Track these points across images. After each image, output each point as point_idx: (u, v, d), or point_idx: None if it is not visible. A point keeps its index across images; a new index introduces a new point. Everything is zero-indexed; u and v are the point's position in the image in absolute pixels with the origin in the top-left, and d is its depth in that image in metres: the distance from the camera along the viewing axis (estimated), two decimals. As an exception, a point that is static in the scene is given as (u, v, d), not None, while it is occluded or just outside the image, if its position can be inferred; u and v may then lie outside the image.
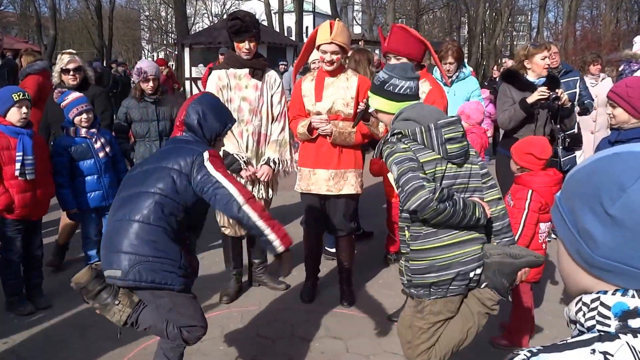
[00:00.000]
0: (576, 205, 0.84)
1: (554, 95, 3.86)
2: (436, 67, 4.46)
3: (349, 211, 3.82)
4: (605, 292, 0.80)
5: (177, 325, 2.42)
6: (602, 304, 0.79)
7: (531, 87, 3.98)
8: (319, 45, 3.55)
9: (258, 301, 3.95)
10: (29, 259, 3.77)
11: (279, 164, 3.81)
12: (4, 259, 3.66)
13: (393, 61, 3.47)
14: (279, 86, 3.93)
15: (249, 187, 3.72)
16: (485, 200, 2.37)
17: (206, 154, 2.39)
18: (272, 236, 2.35)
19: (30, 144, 3.54)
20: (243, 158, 3.64)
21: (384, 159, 2.35)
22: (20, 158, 3.47)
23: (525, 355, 0.79)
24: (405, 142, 2.28)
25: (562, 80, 4.93)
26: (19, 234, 3.63)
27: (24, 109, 3.52)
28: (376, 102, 2.50)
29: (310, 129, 3.65)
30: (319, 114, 3.66)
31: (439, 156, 2.28)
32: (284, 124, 3.89)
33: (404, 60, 3.45)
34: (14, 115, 3.50)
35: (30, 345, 3.32)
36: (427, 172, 2.24)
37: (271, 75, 3.92)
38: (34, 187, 3.61)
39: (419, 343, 2.45)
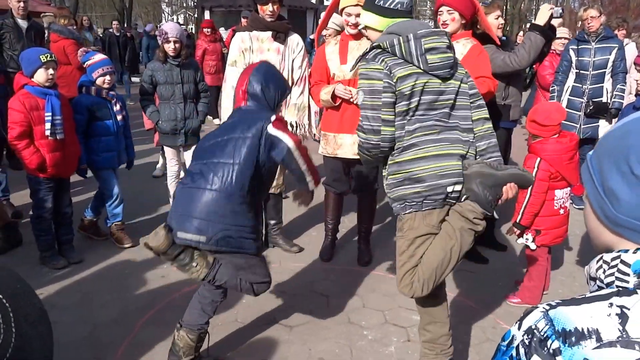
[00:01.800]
0: (604, 164, 0.88)
1: (559, 12, 3.64)
2: None
3: (373, 172, 3.91)
4: (626, 251, 0.84)
5: (249, 281, 2.63)
6: (622, 261, 0.83)
7: (501, 43, 3.83)
8: (342, 9, 3.57)
9: (278, 259, 4.11)
10: (60, 216, 3.97)
11: (297, 127, 3.89)
12: (36, 216, 3.85)
13: (445, 15, 3.44)
14: (300, 50, 3.98)
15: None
16: (473, 119, 2.36)
17: (273, 117, 2.57)
18: (309, 178, 2.62)
19: (58, 104, 3.68)
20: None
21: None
22: (50, 118, 3.62)
23: (544, 308, 0.84)
24: (383, 57, 2.23)
25: (597, 46, 4.86)
26: (50, 192, 3.82)
27: (51, 70, 3.65)
28: (366, 18, 2.46)
29: (334, 96, 3.70)
30: (344, 78, 3.69)
31: (420, 70, 2.22)
32: (303, 88, 3.95)
33: (457, 15, 3.42)
34: (41, 76, 3.63)
35: (65, 296, 3.53)
36: (403, 87, 2.21)
37: (293, 39, 3.96)
38: (63, 146, 3.78)
39: (402, 264, 2.39)
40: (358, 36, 3.67)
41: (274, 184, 3.99)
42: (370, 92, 2.24)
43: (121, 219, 4.27)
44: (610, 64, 4.83)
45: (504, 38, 3.89)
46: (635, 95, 3.07)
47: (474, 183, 2.24)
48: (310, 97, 3.98)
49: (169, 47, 4.22)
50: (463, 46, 3.45)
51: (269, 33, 3.84)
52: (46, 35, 6.34)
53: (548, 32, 3.68)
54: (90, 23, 8.49)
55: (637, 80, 3.02)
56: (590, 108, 4.90)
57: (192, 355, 2.73)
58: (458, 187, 2.27)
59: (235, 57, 3.92)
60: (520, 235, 3.43)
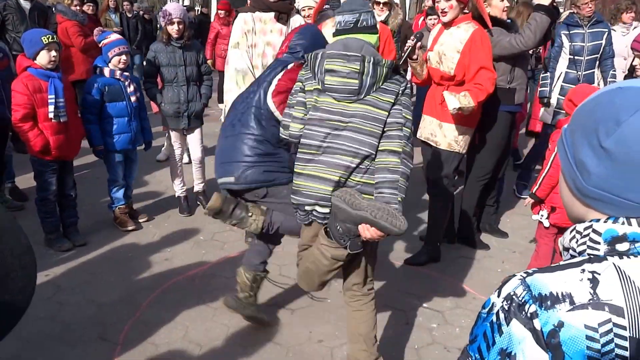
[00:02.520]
0: (576, 137, 0.92)
1: None
2: None
3: None
4: (597, 220, 0.89)
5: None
6: (594, 230, 0.88)
7: (505, 25, 3.83)
8: None
9: (281, 244, 4.15)
10: (64, 198, 4.04)
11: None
12: (41, 199, 3.93)
13: (443, 3, 3.47)
14: (303, 32, 3.99)
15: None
16: (380, 148, 2.25)
17: (291, 66, 2.72)
18: None
19: (61, 86, 3.73)
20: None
21: None
22: (53, 101, 3.67)
23: (522, 275, 0.89)
24: (306, 68, 2.37)
25: (589, 31, 4.81)
26: (54, 174, 3.88)
27: (53, 52, 3.69)
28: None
29: None
30: None
31: (319, 87, 2.28)
32: (306, 70, 3.97)
33: (454, 2, 3.43)
34: (44, 58, 3.67)
35: (69, 278, 3.61)
36: (307, 99, 2.32)
37: (296, 19, 3.97)
38: (67, 128, 3.83)
39: (297, 262, 2.63)
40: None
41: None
42: (292, 92, 2.45)
43: (124, 203, 4.33)
44: (601, 49, 4.80)
45: (508, 21, 3.87)
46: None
47: (330, 213, 2.26)
48: None
49: (173, 29, 4.24)
50: (465, 31, 3.46)
51: (272, 14, 3.85)
52: (51, 16, 6.36)
53: (553, 11, 3.66)
54: (116, 4, 8.32)
55: (634, 66, 3.01)
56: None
57: (247, 293, 2.98)
58: (320, 209, 2.29)
59: (237, 38, 3.92)
60: (536, 211, 3.46)
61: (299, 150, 2.35)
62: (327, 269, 2.34)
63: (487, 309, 0.91)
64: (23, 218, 4.41)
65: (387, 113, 2.24)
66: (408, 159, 2.25)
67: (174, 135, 4.57)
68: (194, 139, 4.62)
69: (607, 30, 4.84)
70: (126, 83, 4.13)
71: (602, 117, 0.87)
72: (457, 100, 3.34)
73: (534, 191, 3.40)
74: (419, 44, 3.50)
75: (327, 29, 3.24)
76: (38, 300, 3.31)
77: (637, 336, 0.80)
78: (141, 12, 12.06)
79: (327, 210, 2.28)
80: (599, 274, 0.84)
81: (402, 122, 2.25)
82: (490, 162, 4.01)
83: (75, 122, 3.96)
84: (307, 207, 2.33)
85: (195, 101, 4.46)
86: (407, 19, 10.93)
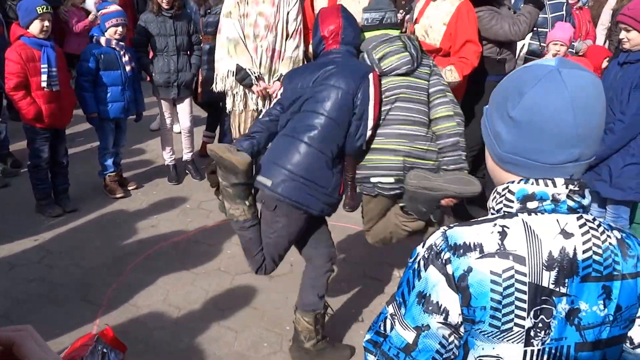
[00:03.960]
0: (492, 111, 1.07)
1: None
2: None
3: None
4: (513, 182, 1.03)
5: (269, 253, 2.59)
6: (509, 191, 1.03)
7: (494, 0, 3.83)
8: None
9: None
10: (56, 165, 4.22)
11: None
12: (33, 166, 4.10)
13: None
14: (296, 2, 4.04)
15: (261, 103, 3.97)
16: (432, 117, 2.59)
17: (371, 76, 2.52)
18: None
19: (54, 55, 3.87)
20: (255, 73, 3.86)
21: None
22: (46, 70, 3.81)
23: (444, 229, 1.04)
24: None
25: (549, 2, 4.81)
26: (46, 142, 4.04)
27: (46, 22, 3.81)
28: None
29: None
30: None
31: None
32: (298, 41, 4.05)
33: None
34: (36, 28, 3.80)
35: (58, 242, 3.79)
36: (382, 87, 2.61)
37: (290, -11, 4.03)
38: (59, 97, 3.98)
39: (364, 222, 2.90)
40: (343, -10, 3.76)
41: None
42: None
43: (114, 170, 4.49)
44: (563, 20, 4.82)
45: None
46: (621, 51, 3.13)
47: (409, 197, 2.51)
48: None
49: (163, -1, 4.34)
50: (450, 4, 3.53)
51: (264, -16, 3.91)
52: None
53: (541, 3, 3.78)
54: None
55: (621, 39, 3.07)
56: None
57: (314, 339, 2.67)
58: (384, 180, 2.58)
59: (230, 7, 3.96)
60: None
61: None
62: (406, 235, 2.71)
63: (412, 258, 1.07)
64: (17, 184, 4.61)
65: (427, 82, 2.61)
66: (461, 118, 2.59)
67: (164, 104, 4.70)
68: (183, 109, 4.76)
69: (564, 1, 4.90)
70: (121, 52, 4.27)
71: (510, 91, 1.02)
72: (443, 74, 3.43)
73: None
74: (407, 16, 3.57)
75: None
76: (28, 263, 3.51)
77: (535, 282, 0.96)
78: None
79: (391, 180, 2.56)
80: (508, 228, 0.99)
81: (444, 89, 2.62)
82: (479, 132, 4.08)
83: (67, 91, 4.11)
84: (372, 180, 2.59)
85: (185, 71, 4.59)
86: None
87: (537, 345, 0.97)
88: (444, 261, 0.99)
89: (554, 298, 0.96)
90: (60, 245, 3.75)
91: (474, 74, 3.62)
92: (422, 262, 1.03)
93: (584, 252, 0.97)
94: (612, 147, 3.03)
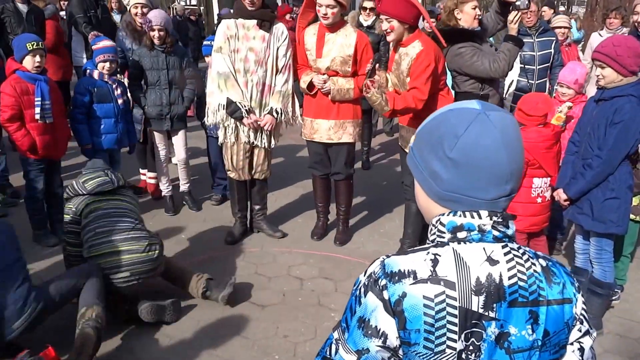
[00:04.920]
0: (425, 152, 1.14)
1: (525, 3, 3.67)
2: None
3: (349, 157, 4.29)
4: (443, 214, 1.12)
5: None
6: (440, 223, 1.11)
7: (477, 35, 3.89)
8: None
9: (260, 244, 4.41)
10: (51, 196, 4.33)
11: (281, 114, 4.16)
12: (29, 196, 4.22)
13: (385, 24, 3.61)
14: (285, 39, 4.21)
15: (252, 135, 4.10)
16: None
17: None
18: None
19: (47, 89, 4.03)
20: (245, 107, 3.99)
21: None
22: (40, 103, 3.97)
23: (383, 258, 1.13)
24: None
25: (538, 40, 4.94)
26: (41, 173, 4.17)
27: (38, 58, 3.98)
28: None
29: (311, 85, 4.01)
30: (318, 70, 4.02)
31: None
32: (288, 76, 4.21)
33: (395, 22, 3.55)
34: (28, 63, 3.97)
35: (54, 272, 3.85)
36: None
37: (279, 27, 4.20)
38: (53, 129, 4.13)
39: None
40: (333, 28, 3.94)
41: (259, 169, 4.29)
42: None
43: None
44: (551, 58, 4.92)
45: (478, 29, 3.93)
46: (597, 88, 3.25)
47: None
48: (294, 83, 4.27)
49: (154, 35, 4.55)
50: (414, 50, 3.56)
51: (254, 21, 4.07)
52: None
53: (521, 41, 3.84)
54: (119, 5, 8.34)
55: (597, 76, 3.18)
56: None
57: None
58: None
59: (220, 43, 4.11)
60: None
61: None
62: None
63: (355, 286, 1.15)
64: (15, 214, 4.71)
65: None
66: None
67: (157, 136, 4.84)
68: (177, 141, 4.91)
69: (554, 38, 5.00)
70: (114, 86, 4.44)
71: (444, 134, 1.10)
72: (372, 92, 3.47)
73: None
74: (377, 65, 3.67)
75: None
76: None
77: (465, 306, 1.04)
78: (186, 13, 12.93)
79: None
80: (440, 256, 1.07)
81: None
82: None
83: (61, 123, 4.26)
84: None
85: (177, 104, 4.75)
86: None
87: None
88: (380, 287, 1.06)
89: (483, 322, 1.03)
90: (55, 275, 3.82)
91: None
92: (362, 289, 1.10)
93: (509, 278, 1.05)
94: (591, 182, 3.11)
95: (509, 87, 5.08)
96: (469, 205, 1.08)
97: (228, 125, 4.09)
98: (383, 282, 1.07)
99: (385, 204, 5.22)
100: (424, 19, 4.02)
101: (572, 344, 1.12)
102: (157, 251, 3.31)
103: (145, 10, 4.95)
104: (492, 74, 3.74)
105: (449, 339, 1.03)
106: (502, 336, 1.05)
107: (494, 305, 1.04)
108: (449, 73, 3.94)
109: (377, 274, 1.09)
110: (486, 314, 1.03)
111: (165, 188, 4.99)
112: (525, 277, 1.06)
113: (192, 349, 3.09)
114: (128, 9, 5.11)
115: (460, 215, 1.08)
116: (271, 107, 4.12)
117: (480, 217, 1.07)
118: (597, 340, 3.35)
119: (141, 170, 5.43)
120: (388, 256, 1.12)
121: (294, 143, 6.66)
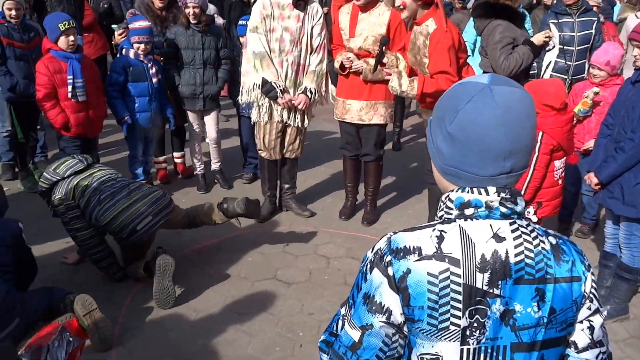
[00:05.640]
0: (434, 127, 1.15)
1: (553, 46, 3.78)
2: None
3: (379, 139, 4.28)
4: (452, 191, 1.12)
5: None
6: (449, 199, 1.12)
7: (519, 17, 3.88)
8: None
9: (289, 222, 4.46)
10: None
11: (315, 93, 4.17)
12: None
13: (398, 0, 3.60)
14: (320, 18, 4.20)
15: (285, 114, 4.14)
16: None
17: None
18: None
19: (79, 67, 4.13)
20: (280, 86, 4.02)
21: None
22: (71, 81, 4.08)
23: (390, 234, 1.14)
24: None
25: (578, 20, 4.76)
26: (77, 150, 4.28)
27: (72, 37, 4.08)
28: None
29: (343, 65, 4.01)
30: (351, 50, 4.04)
31: None
32: (322, 55, 4.21)
33: None
34: (63, 43, 4.07)
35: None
36: None
37: (313, 6, 4.20)
38: (87, 107, 4.25)
39: None
40: (366, 8, 3.91)
41: (290, 148, 4.33)
42: None
43: (144, 178, 4.71)
44: (592, 38, 4.73)
45: (523, 11, 3.92)
46: (635, 69, 3.14)
47: None
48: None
49: (189, 12, 4.59)
50: (427, 29, 3.50)
51: (290, 0, 4.07)
52: None
53: (539, 49, 3.84)
54: None
55: (635, 56, 3.08)
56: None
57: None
58: None
59: (256, 22, 4.14)
60: None
61: None
62: None
63: (363, 263, 1.16)
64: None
65: None
66: None
67: (191, 115, 4.91)
68: (210, 120, 4.97)
69: (596, 19, 4.79)
70: (149, 65, 4.51)
71: (446, 108, 1.10)
72: (397, 82, 3.47)
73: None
74: (384, 48, 3.63)
75: None
76: (58, 264, 3.72)
77: (470, 283, 1.04)
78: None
79: None
80: (446, 232, 1.08)
81: None
82: None
83: (97, 101, 4.36)
84: None
85: (211, 84, 4.79)
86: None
87: (473, 344, 1.05)
88: (386, 264, 1.08)
89: (488, 299, 1.04)
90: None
91: None
92: (368, 266, 1.11)
93: (515, 255, 1.05)
94: (623, 166, 3.04)
95: (546, 68, 4.94)
96: (469, 181, 1.09)
97: (262, 104, 4.14)
98: (388, 258, 1.08)
99: (414, 185, 5.19)
100: None
101: (581, 322, 1.11)
102: (160, 190, 3.53)
103: None
104: (497, 69, 3.82)
105: (452, 315, 1.04)
106: (507, 313, 1.05)
107: (499, 282, 1.04)
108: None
109: (383, 250, 1.10)
110: (491, 291, 1.04)
111: (197, 167, 5.08)
112: (532, 255, 1.06)
113: (218, 324, 3.17)
114: None
115: (468, 192, 1.09)
116: (305, 87, 4.14)
117: (487, 194, 1.07)
118: (623, 324, 3.31)
119: (155, 159, 5.15)
120: (395, 232, 1.13)
121: (327, 124, 6.67)
